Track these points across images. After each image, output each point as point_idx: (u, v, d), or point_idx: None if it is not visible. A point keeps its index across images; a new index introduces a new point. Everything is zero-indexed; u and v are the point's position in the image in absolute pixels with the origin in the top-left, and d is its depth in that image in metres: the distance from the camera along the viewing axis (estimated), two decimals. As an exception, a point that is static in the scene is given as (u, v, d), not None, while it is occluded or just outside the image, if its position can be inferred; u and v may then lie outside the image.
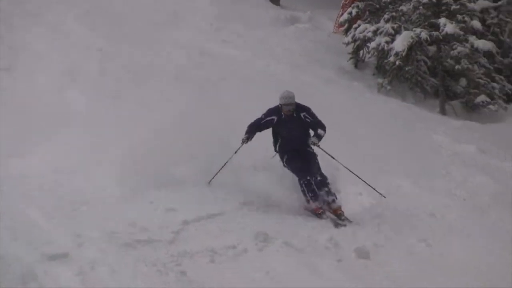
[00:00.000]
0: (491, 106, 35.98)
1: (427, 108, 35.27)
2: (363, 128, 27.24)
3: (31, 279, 12.79)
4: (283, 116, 13.08)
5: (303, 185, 12.95)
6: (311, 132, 13.72)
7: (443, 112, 35.57)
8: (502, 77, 38.62)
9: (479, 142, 28.39)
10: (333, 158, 12.94)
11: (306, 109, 13.15)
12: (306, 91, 28.53)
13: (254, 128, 13.06)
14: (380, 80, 37.28)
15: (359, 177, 13.52)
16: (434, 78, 37.30)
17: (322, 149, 13.04)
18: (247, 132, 13.47)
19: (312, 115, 13.18)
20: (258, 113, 16.32)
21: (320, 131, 13.20)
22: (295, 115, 13.01)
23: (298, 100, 14.95)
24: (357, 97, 31.73)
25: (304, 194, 12.93)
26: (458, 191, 21.11)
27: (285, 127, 13.04)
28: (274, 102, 15.74)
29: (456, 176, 23.12)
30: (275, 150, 13.83)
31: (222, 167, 14.78)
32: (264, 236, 15.54)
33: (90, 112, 24.39)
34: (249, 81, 29.06)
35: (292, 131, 13.07)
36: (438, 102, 36.44)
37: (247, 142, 13.36)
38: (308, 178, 13.30)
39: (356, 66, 39.63)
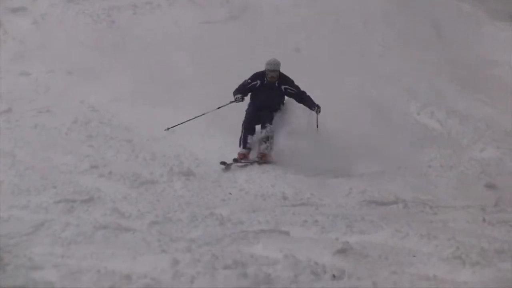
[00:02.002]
0: None
1: None
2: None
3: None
4: (265, 82, 10.74)
5: (243, 130, 10.72)
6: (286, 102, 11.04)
7: None
8: None
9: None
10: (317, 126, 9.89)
11: (290, 82, 10.81)
12: None
13: (243, 90, 10.72)
14: None
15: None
16: None
17: (317, 119, 10.35)
18: (239, 92, 10.75)
19: (296, 87, 10.77)
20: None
21: (309, 97, 10.68)
22: (276, 84, 10.77)
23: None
24: None
25: (240, 139, 10.69)
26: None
27: (264, 93, 10.73)
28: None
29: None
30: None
31: (191, 119, 10.81)
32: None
33: None
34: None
35: (268, 98, 10.75)
36: None
37: (242, 100, 10.75)
38: (253, 125, 10.88)
39: None
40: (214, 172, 9.41)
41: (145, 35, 14.06)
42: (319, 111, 10.50)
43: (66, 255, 4.52)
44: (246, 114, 10.81)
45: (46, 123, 10.50)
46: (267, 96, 10.79)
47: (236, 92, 10.78)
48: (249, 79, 10.86)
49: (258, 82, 10.78)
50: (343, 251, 4.61)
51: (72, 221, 5.83)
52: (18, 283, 3.67)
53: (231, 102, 10.73)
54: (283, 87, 10.77)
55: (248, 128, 10.77)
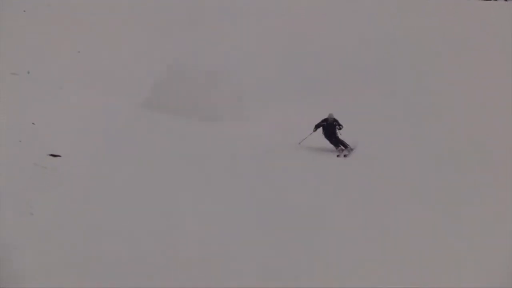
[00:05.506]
0: None
1: None
2: None
3: None
4: (327, 122, 19.16)
5: (332, 144, 19.17)
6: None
7: None
8: None
9: None
10: (340, 130, 19.22)
11: (337, 121, 19.09)
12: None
13: (318, 126, 19.20)
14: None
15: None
16: None
17: (340, 133, 19.16)
18: (315, 127, 19.21)
19: (338, 124, 19.12)
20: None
21: (339, 129, 19.20)
22: (334, 123, 19.13)
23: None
24: None
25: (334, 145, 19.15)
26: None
27: (328, 129, 19.12)
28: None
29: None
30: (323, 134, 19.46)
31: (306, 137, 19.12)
32: None
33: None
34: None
35: (330, 130, 19.09)
36: None
37: (315, 131, 19.14)
38: (334, 141, 19.27)
39: None
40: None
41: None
42: (340, 129, 19.31)
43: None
44: (328, 138, 19.22)
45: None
46: (330, 130, 19.08)
47: (315, 126, 19.19)
48: (321, 121, 19.19)
49: (325, 123, 19.11)
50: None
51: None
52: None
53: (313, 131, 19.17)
54: (334, 123, 19.09)
55: (333, 143, 19.19)
